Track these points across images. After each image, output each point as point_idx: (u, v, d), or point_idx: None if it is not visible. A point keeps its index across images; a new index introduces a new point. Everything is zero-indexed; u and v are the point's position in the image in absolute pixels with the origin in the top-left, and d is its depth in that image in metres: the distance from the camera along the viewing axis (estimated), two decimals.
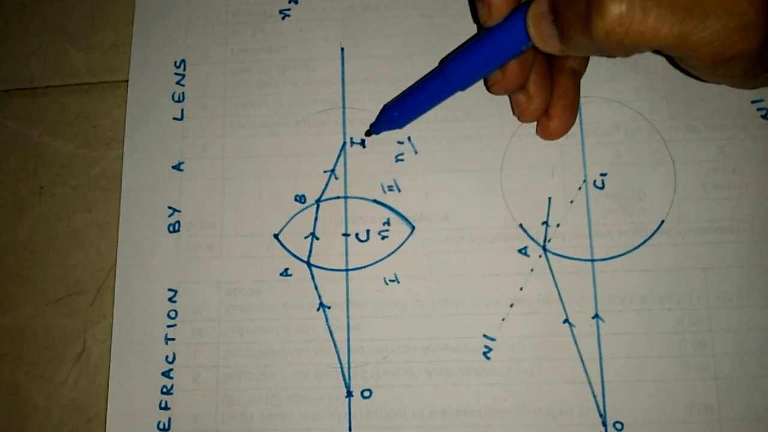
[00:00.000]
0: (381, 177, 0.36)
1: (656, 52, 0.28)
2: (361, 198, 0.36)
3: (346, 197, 0.36)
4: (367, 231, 0.35)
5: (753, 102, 0.35)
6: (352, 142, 0.36)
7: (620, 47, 0.27)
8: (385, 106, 0.36)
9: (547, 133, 0.34)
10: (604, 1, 0.25)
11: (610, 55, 0.28)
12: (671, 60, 0.34)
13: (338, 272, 0.35)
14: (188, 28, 0.38)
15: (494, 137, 0.36)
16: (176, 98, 0.37)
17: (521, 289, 0.34)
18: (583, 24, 0.27)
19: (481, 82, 0.34)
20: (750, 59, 0.26)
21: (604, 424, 0.33)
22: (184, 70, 0.38)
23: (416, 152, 0.36)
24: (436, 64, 0.36)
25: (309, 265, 0.35)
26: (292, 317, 0.35)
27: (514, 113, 0.35)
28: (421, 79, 0.35)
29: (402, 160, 0.36)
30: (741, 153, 0.34)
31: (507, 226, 0.35)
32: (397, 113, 0.35)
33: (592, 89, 0.35)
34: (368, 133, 0.36)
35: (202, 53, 0.38)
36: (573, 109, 0.33)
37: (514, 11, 0.30)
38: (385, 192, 0.36)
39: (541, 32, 0.29)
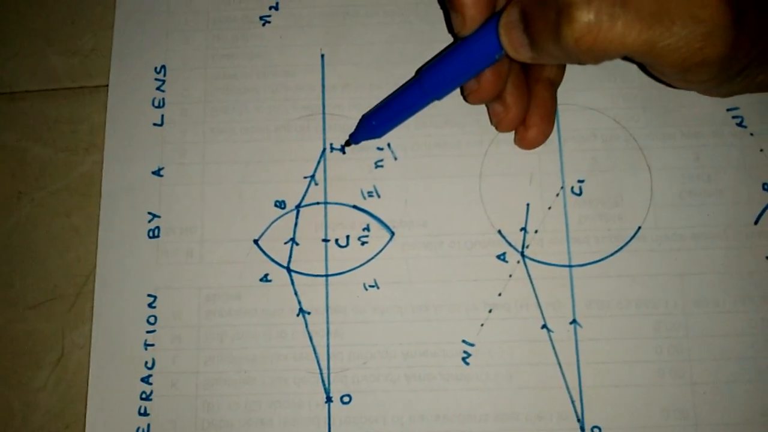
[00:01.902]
0: (361, 183, 0.36)
1: (627, 59, 0.28)
2: (341, 204, 0.36)
3: (326, 203, 0.36)
4: (347, 237, 0.35)
5: (728, 110, 0.35)
6: (332, 148, 0.36)
7: (589, 54, 0.27)
8: (363, 115, 0.36)
9: (524, 142, 0.34)
10: (572, 10, 0.26)
11: (580, 63, 0.28)
12: (644, 68, 0.35)
13: (318, 278, 0.35)
14: (169, 34, 0.38)
15: (473, 144, 0.36)
16: (156, 104, 0.37)
17: (500, 294, 0.34)
18: (552, 32, 0.27)
19: (459, 92, 0.35)
20: (718, 64, 0.27)
21: (582, 428, 0.33)
22: (165, 75, 0.38)
23: (396, 158, 0.36)
24: (416, 71, 0.36)
25: (289, 270, 0.35)
26: (272, 323, 0.35)
27: (491, 123, 0.35)
28: (399, 88, 0.35)
29: (381, 166, 0.36)
30: (716, 160, 0.35)
31: (486, 232, 0.35)
32: (375, 122, 0.35)
33: (569, 97, 0.36)
34: (347, 143, 0.36)
35: (183, 59, 0.38)
36: (550, 118, 0.34)
37: (487, 21, 0.30)
38: (364, 198, 0.36)
39: (512, 41, 0.29)
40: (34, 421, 0.35)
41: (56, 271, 0.36)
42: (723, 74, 0.27)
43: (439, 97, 0.33)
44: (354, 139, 0.36)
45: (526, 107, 0.33)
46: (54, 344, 0.36)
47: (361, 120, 0.36)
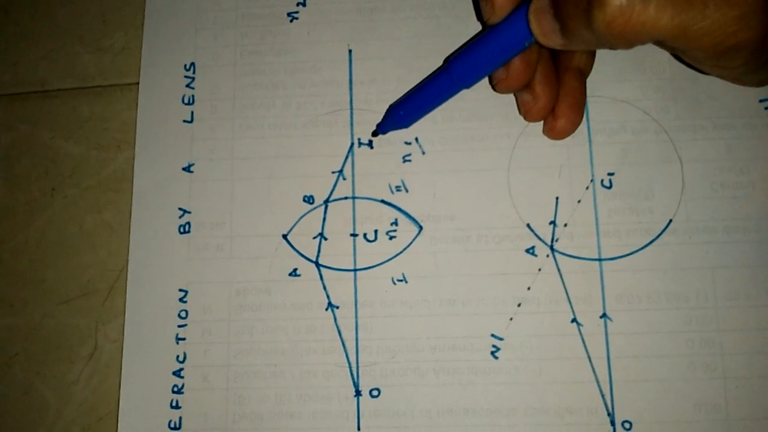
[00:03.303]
0: (389, 177, 0.36)
1: (659, 44, 0.28)
2: (369, 198, 0.36)
3: (354, 198, 0.36)
4: (375, 231, 0.35)
5: (761, 101, 0.35)
6: (360, 143, 0.36)
7: (621, 39, 0.27)
8: (391, 105, 0.36)
9: (553, 132, 0.34)
10: None
11: (611, 48, 0.28)
12: (676, 55, 0.34)
13: (346, 272, 0.35)
14: (198, 31, 0.39)
15: (501, 137, 0.36)
16: (186, 101, 0.38)
17: (529, 288, 0.34)
18: (584, 16, 0.27)
19: (487, 81, 0.35)
20: (752, 49, 0.26)
21: (613, 423, 0.33)
22: (194, 72, 0.38)
23: (423, 153, 0.36)
24: (444, 60, 0.36)
25: (317, 265, 0.35)
26: (301, 317, 0.35)
27: (520, 113, 0.35)
28: (426, 78, 0.36)
29: (409, 160, 0.36)
30: (748, 152, 0.34)
31: (514, 226, 0.35)
32: (402, 112, 0.35)
33: (598, 89, 0.35)
34: (375, 133, 0.36)
35: (212, 56, 0.38)
36: (579, 108, 0.33)
37: (516, 8, 0.30)
38: (392, 192, 0.36)
39: (542, 26, 0.29)
40: (68, 414, 0.35)
41: (89, 266, 0.37)
42: (756, 60, 0.27)
43: (467, 86, 0.33)
44: (381, 129, 0.36)
45: (555, 97, 0.33)
46: (87, 338, 0.36)
47: (388, 110, 0.36)
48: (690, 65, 0.32)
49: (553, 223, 0.35)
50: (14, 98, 0.39)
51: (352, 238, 0.36)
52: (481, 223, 0.35)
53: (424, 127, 0.36)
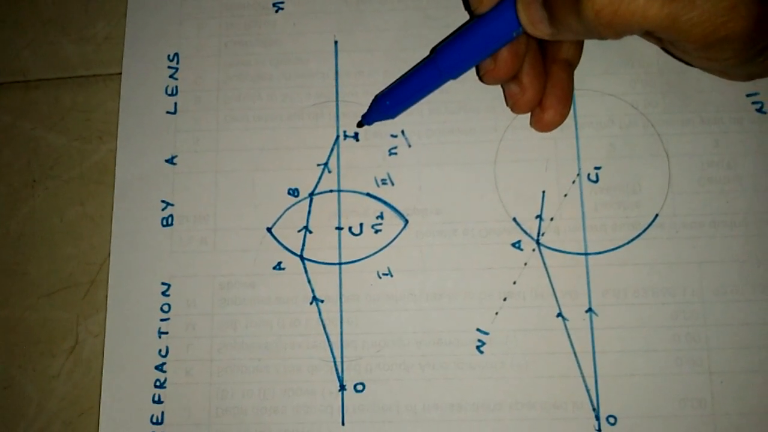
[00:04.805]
0: (374, 170, 0.36)
1: (648, 36, 0.28)
2: (355, 191, 0.36)
3: (339, 191, 0.36)
4: (361, 225, 0.35)
5: (748, 95, 0.35)
6: (346, 136, 0.36)
7: (610, 28, 0.27)
8: (376, 96, 0.35)
9: (541, 124, 0.34)
10: None
11: (600, 38, 0.28)
12: (665, 48, 0.34)
13: (331, 266, 0.35)
14: (182, 21, 0.38)
15: (488, 130, 0.35)
16: (169, 92, 0.37)
17: (515, 283, 0.34)
18: (572, 5, 0.27)
19: (474, 73, 0.34)
20: (741, 40, 0.26)
21: (597, 418, 0.33)
22: (178, 63, 0.38)
23: (410, 146, 0.36)
24: (431, 50, 0.36)
25: (302, 258, 0.35)
26: (285, 311, 0.35)
27: (507, 104, 0.35)
28: (413, 68, 0.35)
29: (395, 153, 0.36)
30: (736, 147, 0.34)
31: (500, 220, 0.35)
32: (388, 102, 0.35)
33: (586, 82, 0.35)
34: (360, 124, 0.36)
35: (196, 46, 0.38)
36: (567, 100, 0.33)
37: None
38: (378, 185, 0.35)
39: (531, 16, 0.29)
40: (50, 408, 0.35)
41: (70, 259, 0.36)
42: (745, 52, 0.27)
43: (454, 77, 0.33)
44: (367, 120, 0.35)
45: (543, 88, 0.33)
46: (68, 332, 0.36)
47: (374, 100, 0.35)
48: (678, 58, 0.31)
49: (539, 217, 0.35)
50: None
51: (337, 231, 0.35)
52: (467, 216, 0.35)
53: (411, 119, 0.36)
